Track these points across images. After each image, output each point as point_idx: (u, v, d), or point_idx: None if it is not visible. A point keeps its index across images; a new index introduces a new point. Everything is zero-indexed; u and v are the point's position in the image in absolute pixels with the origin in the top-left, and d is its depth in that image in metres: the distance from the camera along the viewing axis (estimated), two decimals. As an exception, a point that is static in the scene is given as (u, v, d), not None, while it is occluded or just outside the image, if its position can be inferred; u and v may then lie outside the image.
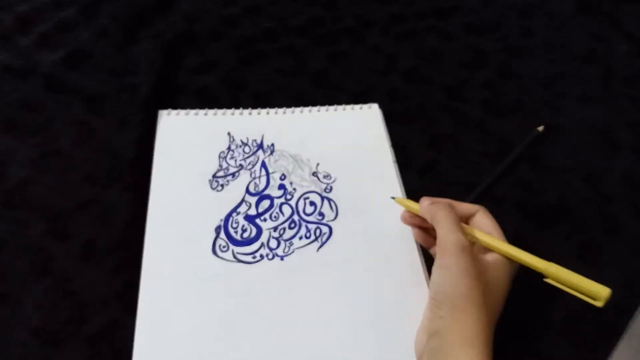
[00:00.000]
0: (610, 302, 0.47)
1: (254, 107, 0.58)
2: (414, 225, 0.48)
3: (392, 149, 0.56)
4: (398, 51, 0.64)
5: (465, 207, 0.45)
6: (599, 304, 0.37)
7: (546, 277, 0.40)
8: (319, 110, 0.58)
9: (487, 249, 0.42)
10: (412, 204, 0.48)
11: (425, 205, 0.44)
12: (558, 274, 0.39)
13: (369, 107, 0.59)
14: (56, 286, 0.46)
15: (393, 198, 0.50)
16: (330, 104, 0.59)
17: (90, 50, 0.62)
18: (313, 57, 0.64)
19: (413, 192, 0.53)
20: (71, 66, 0.61)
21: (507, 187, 0.54)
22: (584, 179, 0.54)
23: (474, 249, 0.41)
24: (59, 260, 0.48)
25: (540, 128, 0.57)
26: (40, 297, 0.46)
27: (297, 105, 0.59)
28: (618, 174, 0.55)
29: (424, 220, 0.46)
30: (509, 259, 0.41)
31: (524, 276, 0.48)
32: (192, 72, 0.62)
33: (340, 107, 0.59)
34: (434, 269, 0.40)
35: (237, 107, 0.58)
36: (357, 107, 0.59)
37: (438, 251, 0.40)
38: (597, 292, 0.38)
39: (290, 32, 0.66)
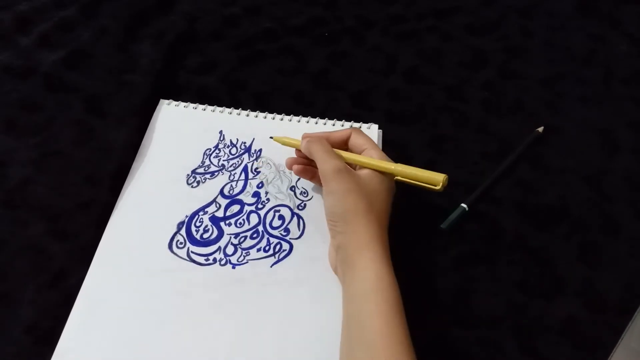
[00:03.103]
0: (610, 301, 0.47)
1: (254, 107, 0.58)
2: (301, 163, 0.50)
3: None
4: (398, 51, 0.64)
5: (339, 134, 0.49)
6: (437, 188, 0.42)
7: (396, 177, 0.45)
8: (316, 123, 0.57)
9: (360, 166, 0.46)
10: (293, 141, 0.50)
11: (304, 144, 0.48)
12: (403, 171, 0.44)
13: (368, 128, 0.56)
14: (56, 286, 0.46)
15: (271, 137, 0.52)
16: (330, 104, 0.59)
17: (90, 50, 0.62)
18: (313, 57, 0.64)
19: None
20: (71, 66, 0.61)
21: (507, 187, 0.54)
22: (584, 179, 0.54)
23: (350, 169, 0.45)
24: (59, 260, 0.48)
25: (540, 129, 0.57)
26: (39, 297, 0.46)
27: (297, 105, 0.59)
28: (618, 174, 0.55)
29: (307, 157, 0.49)
30: (378, 171, 0.45)
31: (523, 276, 0.49)
32: (192, 72, 0.62)
33: (339, 123, 0.57)
34: (323, 195, 0.46)
35: (237, 107, 0.58)
36: (356, 125, 0.57)
37: (322, 180, 0.45)
38: (435, 179, 0.42)
39: (290, 32, 0.66)
